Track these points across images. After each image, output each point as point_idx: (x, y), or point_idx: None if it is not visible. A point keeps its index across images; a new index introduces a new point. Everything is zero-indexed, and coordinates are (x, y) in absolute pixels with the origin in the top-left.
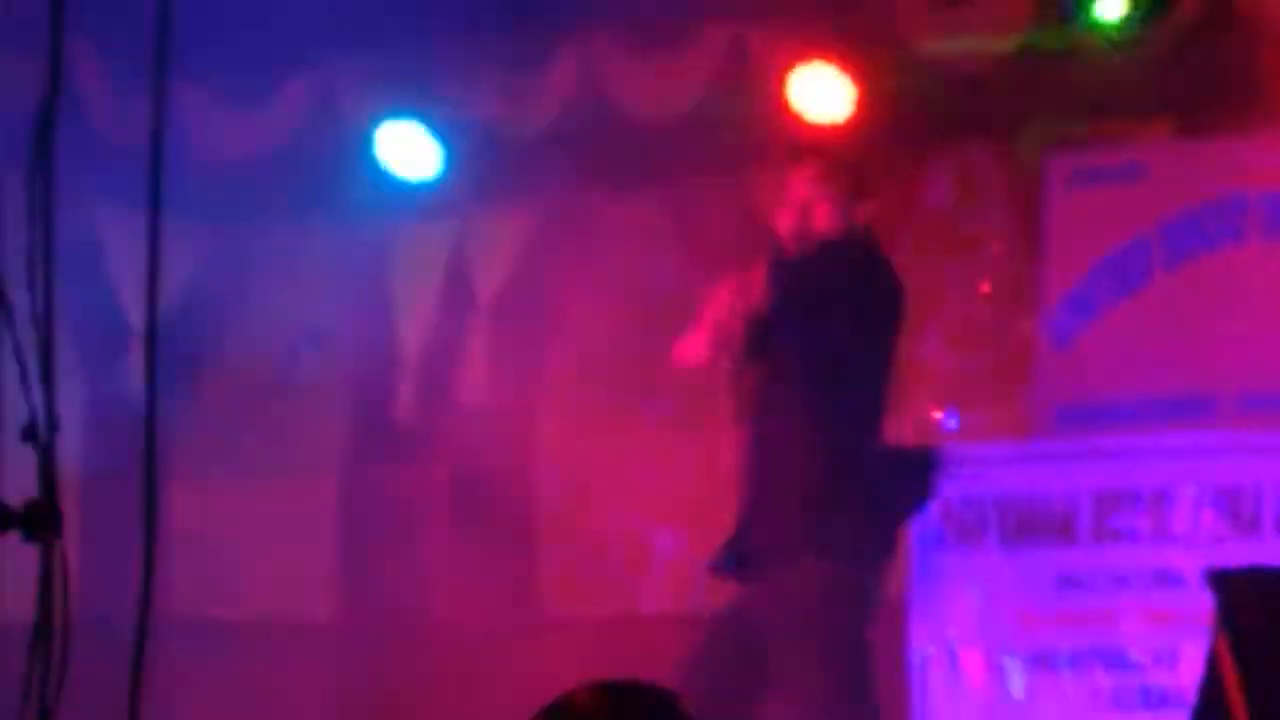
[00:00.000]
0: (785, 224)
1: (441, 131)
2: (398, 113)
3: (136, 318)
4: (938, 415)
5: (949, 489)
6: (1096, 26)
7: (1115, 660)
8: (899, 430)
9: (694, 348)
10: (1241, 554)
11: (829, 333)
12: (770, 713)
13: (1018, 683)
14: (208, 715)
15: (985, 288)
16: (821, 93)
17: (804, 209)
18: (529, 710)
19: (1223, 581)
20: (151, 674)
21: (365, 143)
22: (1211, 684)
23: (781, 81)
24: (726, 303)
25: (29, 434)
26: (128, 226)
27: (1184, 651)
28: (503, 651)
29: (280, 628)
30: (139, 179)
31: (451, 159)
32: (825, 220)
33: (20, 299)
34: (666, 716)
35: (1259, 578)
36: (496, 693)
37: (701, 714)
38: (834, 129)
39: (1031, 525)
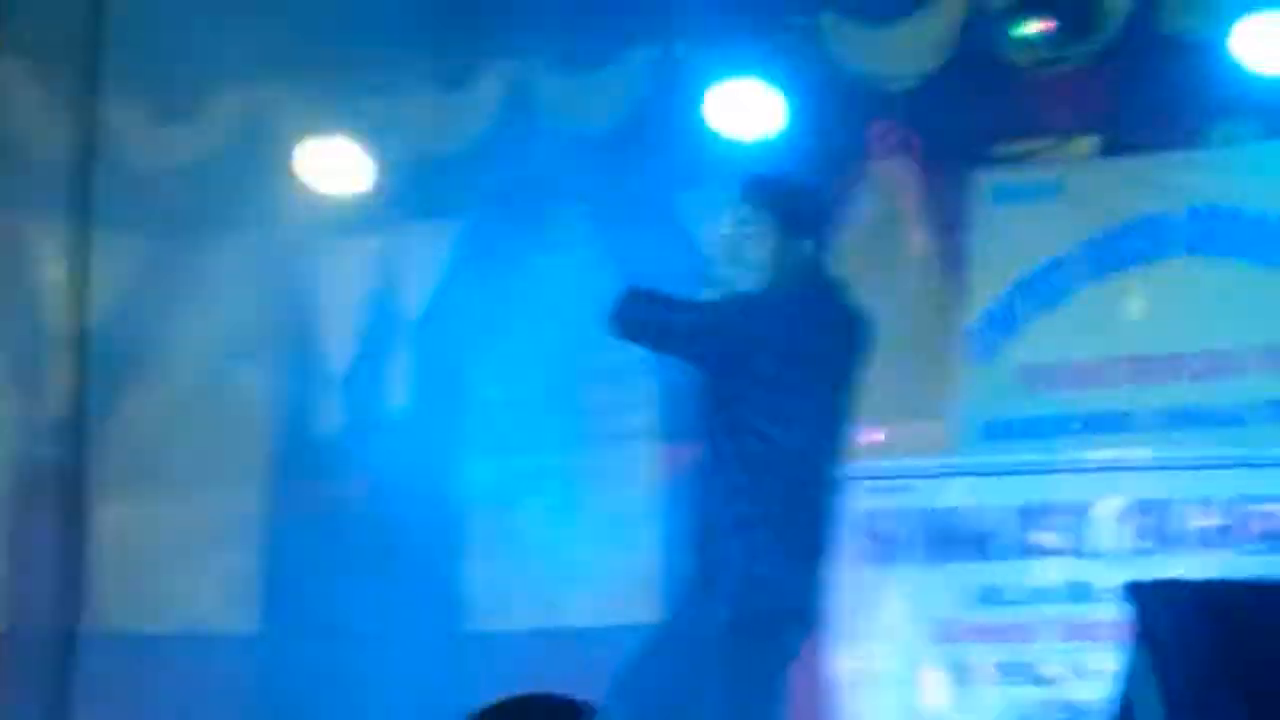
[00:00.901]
0: (722, 253)
1: (370, 147)
2: (327, 128)
3: (64, 329)
4: (860, 430)
5: (872, 504)
6: (1021, 45)
7: (1035, 674)
8: None
9: None
10: (1161, 568)
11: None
12: None
13: (938, 696)
14: None
15: (910, 303)
16: (748, 111)
17: (739, 242)
18: None
19: (1140, 595)
20: (75, 685)
21: (294, 157)
22: (1128, 696)
23: (708, 99)
24: None
25: None
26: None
27: (1103, 665)
28: (425, 665)
29: (203, 640)
30: (68, 191)
31: (379, 174)
32: (759, 252)
33: None
34: None
35: (1176, 591)
36: (418, 706)
37: None
38: (760, 146)
39: (953, 540)
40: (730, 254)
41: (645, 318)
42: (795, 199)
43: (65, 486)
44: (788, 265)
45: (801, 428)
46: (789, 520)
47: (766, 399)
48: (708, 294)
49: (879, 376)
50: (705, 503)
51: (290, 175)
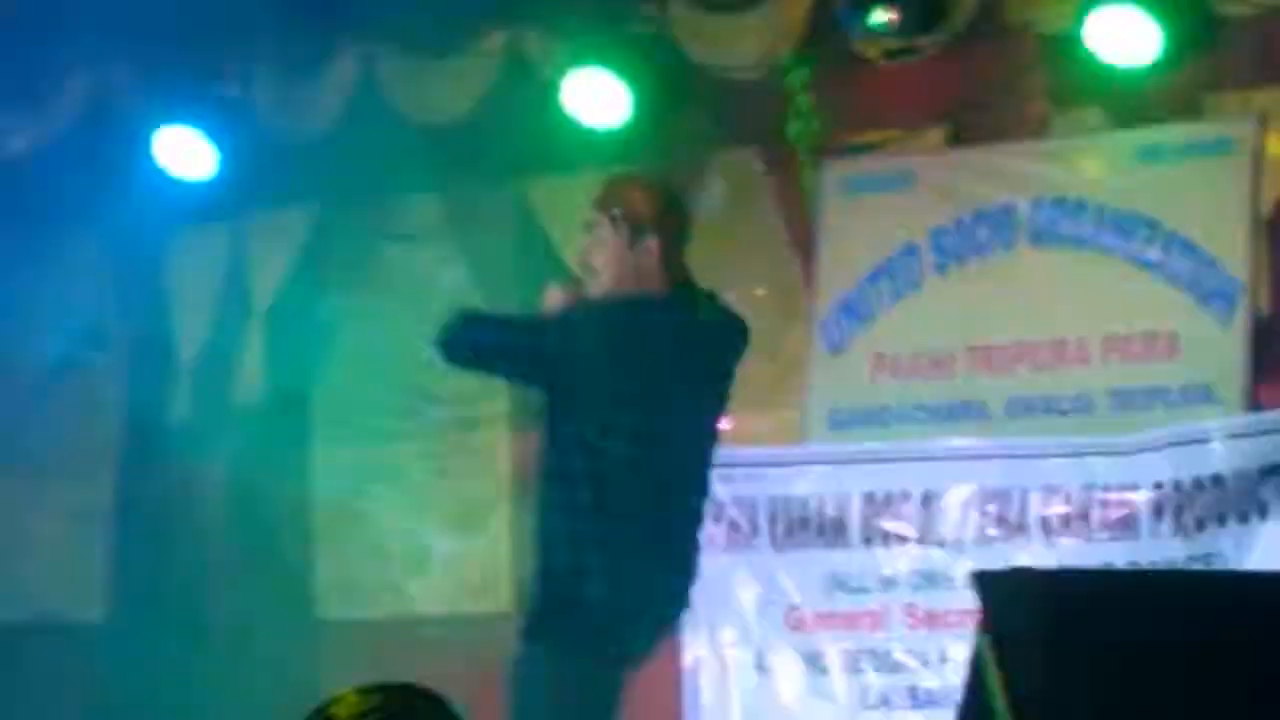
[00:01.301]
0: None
1: (219, 134)
2: (175, 115)
3: None
4: None
5: (722, 492)
6: (870, 35)
7: (884, 661)
8: None
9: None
10: (1008, 556)
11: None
12: None
13: (788, 685)
14: None
15: (759, 293)
16: (597, 98)
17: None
18: (300, 712)
19: (986, 582)
20: None
21: (142, 144)
22: (975, 684)
23: (558, 86)
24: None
25: None
26: None
27: (952, 652)
28: (277, 653)
29: (52, 628)
30: None
31: (228, 161)
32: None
33: None
34: (436, 718)
35: (1021, 579)
36: (270, 694)
37: None
38: (608, 136)
39: (803, 527)
40: (580, 257)
41: (476, 342)
42: (640, 199)
43: None
44: (636, 268)
45: (640, 440)
46: (628, 534)
47: (601, 414)
48: (548, 303)
49: None
50: (546, 521)
51: (139, 162)
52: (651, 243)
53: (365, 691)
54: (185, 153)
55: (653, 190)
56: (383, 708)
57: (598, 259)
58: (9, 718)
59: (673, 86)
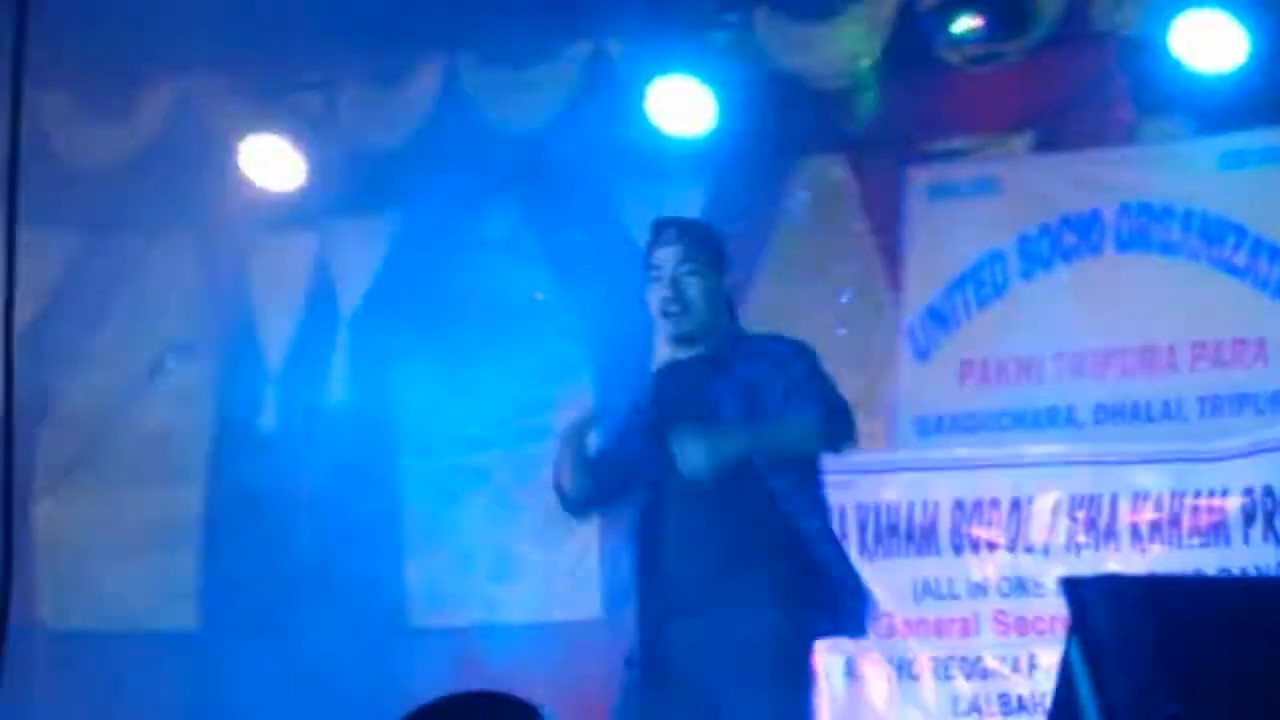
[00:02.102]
0: (657, 297)
1: (304, 142)
2: (261, 125)
3: None
4: None
5: None
6: (954, 42)
7: (974, 668)
8: None
9: None
10: (1098, 563)
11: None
12: None
13: (878, 692)
14: None
15: (845, 300)
16: (682, 107)
17: (675, 283)
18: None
19: (1076, 590)
20: (12, 683)
21: (229, 153)
22: (1064, 690)
23: (642, 95)
24: None
25: None
26: None
27: (1042, 659)
28: (366, 662)
29: (142, 636)
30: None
31: (314, 169)
32: (697, 295)
33: None
34: None
35: (1110, 585)
36: (359, 703)
37: None
38: (696, 144)
39: (891, 534)
40: (673, 294)
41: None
42: (716, 239)
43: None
44: (719, 306)
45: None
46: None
47: None
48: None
49: None
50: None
51: (225, 171)
52: (725, 282)
53: (455, 700)
54: (272, 161)
55: (717, 233)
56: (480, 715)
57: (692, 293)
58: None
59: (757, 94)
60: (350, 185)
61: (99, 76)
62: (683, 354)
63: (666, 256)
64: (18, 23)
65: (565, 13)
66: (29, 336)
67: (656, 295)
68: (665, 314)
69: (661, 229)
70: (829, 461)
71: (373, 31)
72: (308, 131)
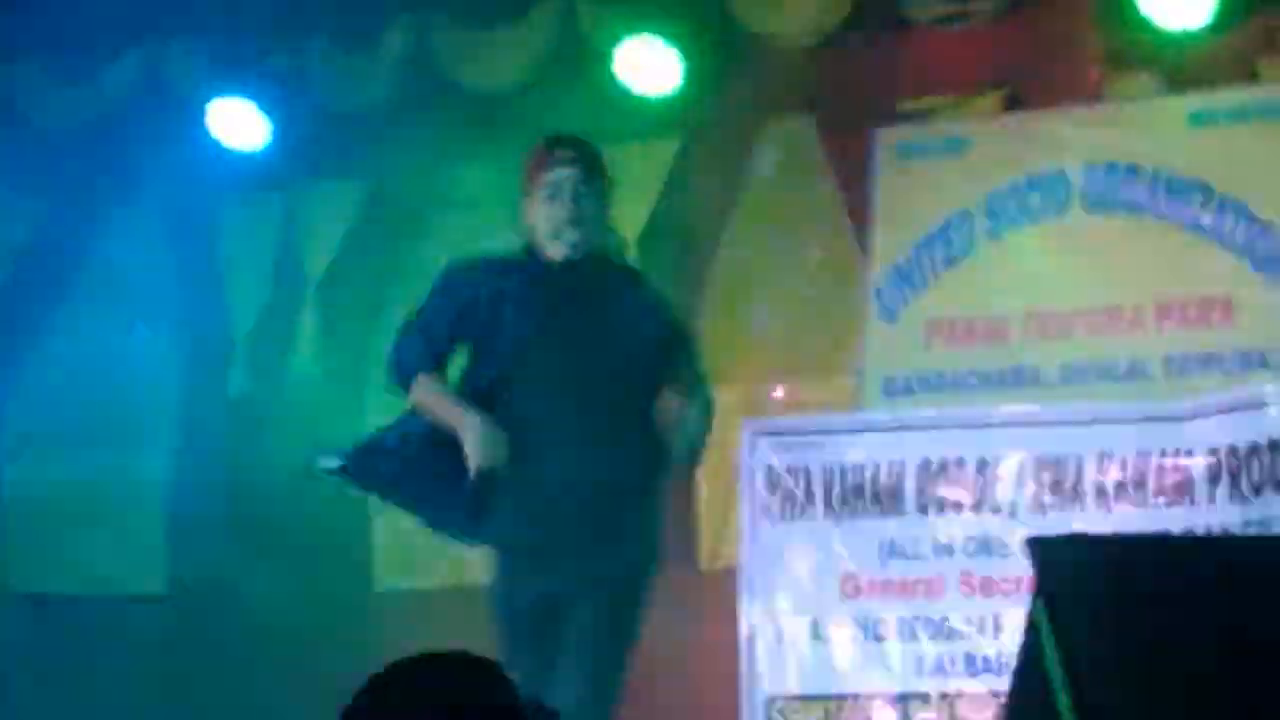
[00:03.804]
0: (555, 218)
1: (271, 104)
2: (228, 87)
3: None
4: (766, 387)
5: (777, 460)
6: (923, 1)
7: (940, 629)
8: (729, 402)
9: None
10: (1064, 523)
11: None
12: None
13: (844, 652)
14: (38, 687)
15: (813, 261)
16: (649, 66)
17: (575, 201)
18: (357, 680)
19: (1041, 548)
20: None
21: (196, 115)
22: (1029, 649)
23: (610, 55)
24: None
25: None
26: None
27: (1007, 619)
28: (334, 623)
29: (110, 601)
30: None
31: (281, 132)
32: (593, 215)
33: None
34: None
35: (1075, 544)
36: (325, 662)
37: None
38: (660, 103)
39: (857, 495)
40: (572, 214)
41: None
42: (603, 160)
43: None
44: (608, 228)
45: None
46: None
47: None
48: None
49: (785, 333)
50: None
51: (192, 134)
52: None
53: (424, 659)
54: (239, 124)
55: (599, 152)
56: (444, 674)
57: (593, 215)
58: (69, 687)
59: (725, 54)
60: (318, 147)
61: (65, 40)
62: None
63: (565, 176)
64: None
65: None
66: None
67: (554, 215)
68: (559, 235)
69: (554, 147)
70: (793, 422)
71: None
72: (275, 93)
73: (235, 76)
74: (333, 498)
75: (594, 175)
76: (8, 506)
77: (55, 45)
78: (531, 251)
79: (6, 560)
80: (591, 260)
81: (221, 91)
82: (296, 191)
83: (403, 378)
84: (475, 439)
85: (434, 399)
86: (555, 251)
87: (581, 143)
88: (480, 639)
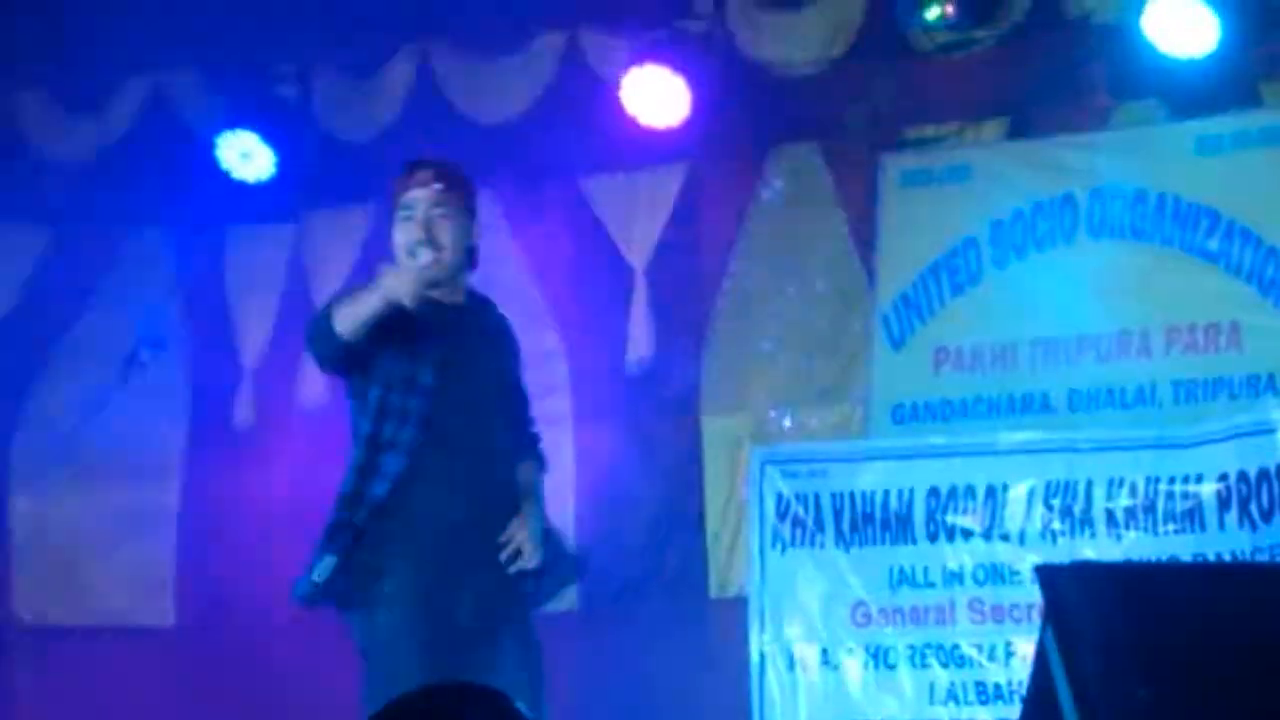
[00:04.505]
0: (408, 237)
1: (278, 135)
2: (234, 118)
3: None
4: (774, 414)
5: (786, 488)
6: (927, 29)
7: (950, 656)
8: (738, 429)
9: None
10: (1073, 550)
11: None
12: None
13: (855, 679)
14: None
15: (820, 288)
16: (655, 96)
17: (429, 224)
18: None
19: (1051, 577)
20: None
21: (202, 146)
22: (1040, 677)
23: (614, 85)
24: None
25: None
26: None
27: (1017, 647)
28: (344, 653)
29: (119, 632)
30: None
31: (287, 162)
32: (449, 237)
33: None
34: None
35: (1085, 572)
36: (337, 695)
37: None
38: (666, 133)
39: (867, 522)
40: (426, 235)
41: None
42: (468, 184)
43: None
44: (465, 252)
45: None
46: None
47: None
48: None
49: (793, 360)
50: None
51: (199, 165)
52: (472, 228)
53: (436, 691)
54: (245, 155)
55: (463, 177)
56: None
57: (444, 236)
58: (75, 717)
59: (730, 84)
60: (325, 177)
61: (72, 71)
62: (432, 294)
63: (421, 197)
64: None
65: (537, 3)
66: (3, 332)
67: (408, 235)
68: (412, 254)
69: (415, 169)
70: (802, 449)
71: (346, 23)
72: (282, 124)
73: (241, 107)
74: None
75: (451, 197)
76: (18, 538)
77: (62, 75)
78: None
79: (17, 592)
80: (472, 298)
81: (228, 122)
82: (304, 221)
83: (319, 321)
84: (389, 272)
85: (350, 298)
86: None
87: (444, 166)
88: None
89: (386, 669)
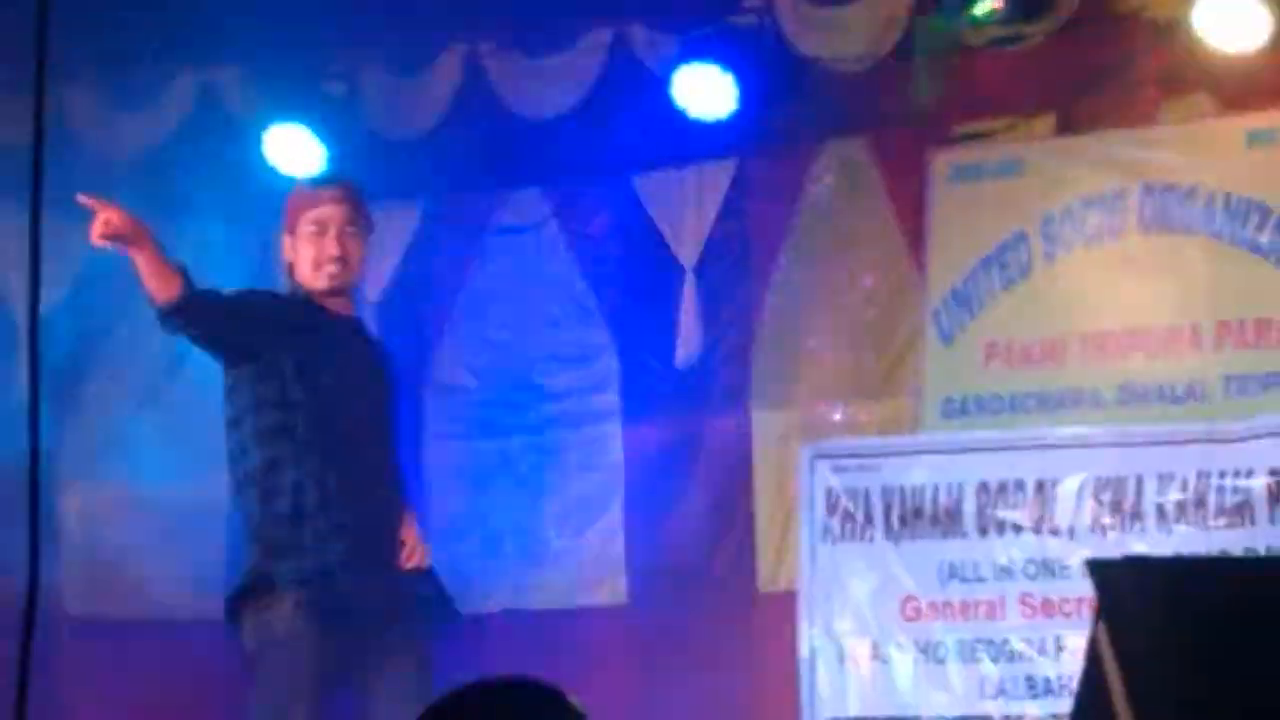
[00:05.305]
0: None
1: (326, 131)
2: (283, 113)
3: (22, 317)
4: (824, 409)
5: (836, 483)
6: (977, 23)
7: (1001, 650)
8: (787, 424)
9: None
10: (1124, 544)
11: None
12: None
13: (905, 674)
14: (98, 713)
15: (870, 283)
16: (704, 91)
17: (339, 239)
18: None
19: (1101, 571)
20: (43, 675)
21: (252, 143)
22: (1091, 672)
23: (664, 81)
24: None
25: None
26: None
27: (1068, 641)
28: None
29: (168, 626)
30: (20, 179)
31: (336, 158)
32: (358, 254)
33: None
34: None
35: (1136, 567)
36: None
37: None
38: (715, 128)
39: (917, 517)
40: (339, 250)
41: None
42: (365, 202)
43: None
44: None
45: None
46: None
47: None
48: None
49: (843, 355)
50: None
51: (249, 161)
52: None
53: (487, 686)
54: (294, 151)
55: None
56: (508, 701)
57: (356, 253)
58: (128, 713)
59: (779, 78)
60: (372, 174)
61: (122, 67)
62: (330, 305)
63: (334, 214)
64: (39, 13)
65: None
66: (56, 327)
67: (320, 249)
68: (320, 268)
69: (321, 186)
70: (851, 444)
71: (394, 19)
72: (330, 120)
73: (290, 103)
74: None
75: (358, 216)
76: (67, 531)
77: (111, 71)
78: (304, 296)
79: (64, 584)
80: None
81: (277, 118)
82: None
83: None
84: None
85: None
86: (315, 283)
87: (349, 184)
88: (538, 664)
89: (285, 667)
